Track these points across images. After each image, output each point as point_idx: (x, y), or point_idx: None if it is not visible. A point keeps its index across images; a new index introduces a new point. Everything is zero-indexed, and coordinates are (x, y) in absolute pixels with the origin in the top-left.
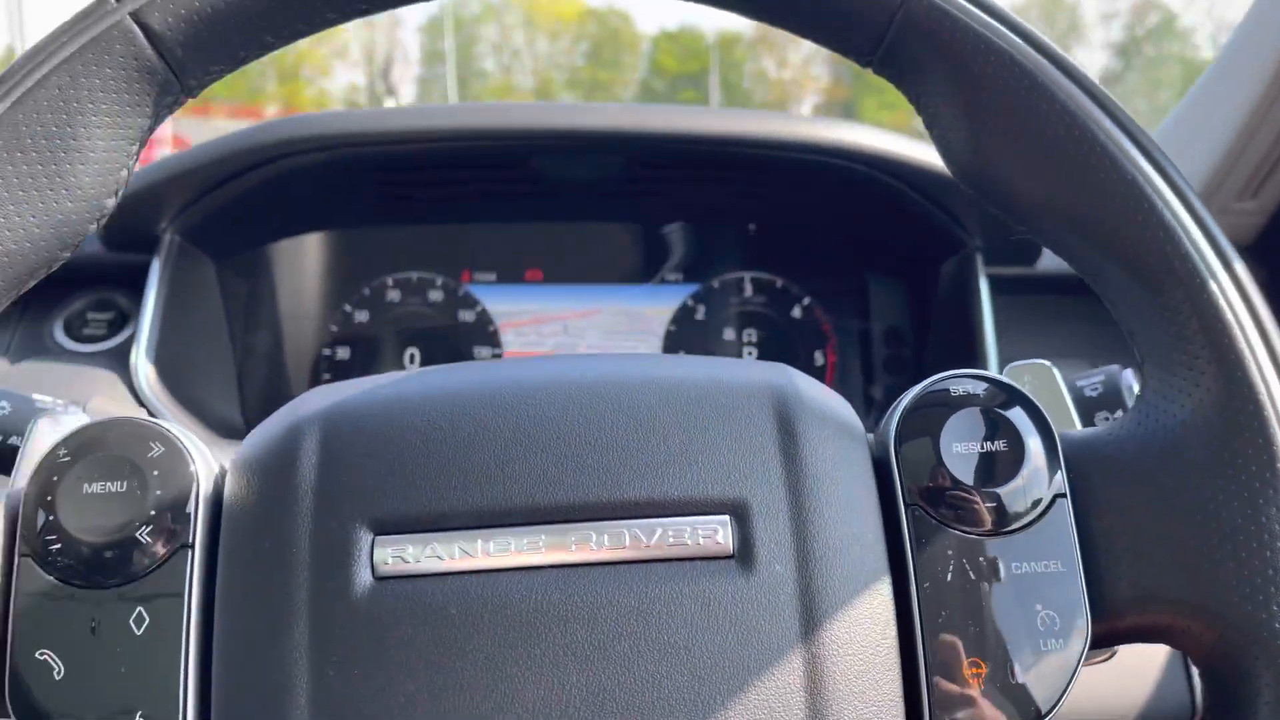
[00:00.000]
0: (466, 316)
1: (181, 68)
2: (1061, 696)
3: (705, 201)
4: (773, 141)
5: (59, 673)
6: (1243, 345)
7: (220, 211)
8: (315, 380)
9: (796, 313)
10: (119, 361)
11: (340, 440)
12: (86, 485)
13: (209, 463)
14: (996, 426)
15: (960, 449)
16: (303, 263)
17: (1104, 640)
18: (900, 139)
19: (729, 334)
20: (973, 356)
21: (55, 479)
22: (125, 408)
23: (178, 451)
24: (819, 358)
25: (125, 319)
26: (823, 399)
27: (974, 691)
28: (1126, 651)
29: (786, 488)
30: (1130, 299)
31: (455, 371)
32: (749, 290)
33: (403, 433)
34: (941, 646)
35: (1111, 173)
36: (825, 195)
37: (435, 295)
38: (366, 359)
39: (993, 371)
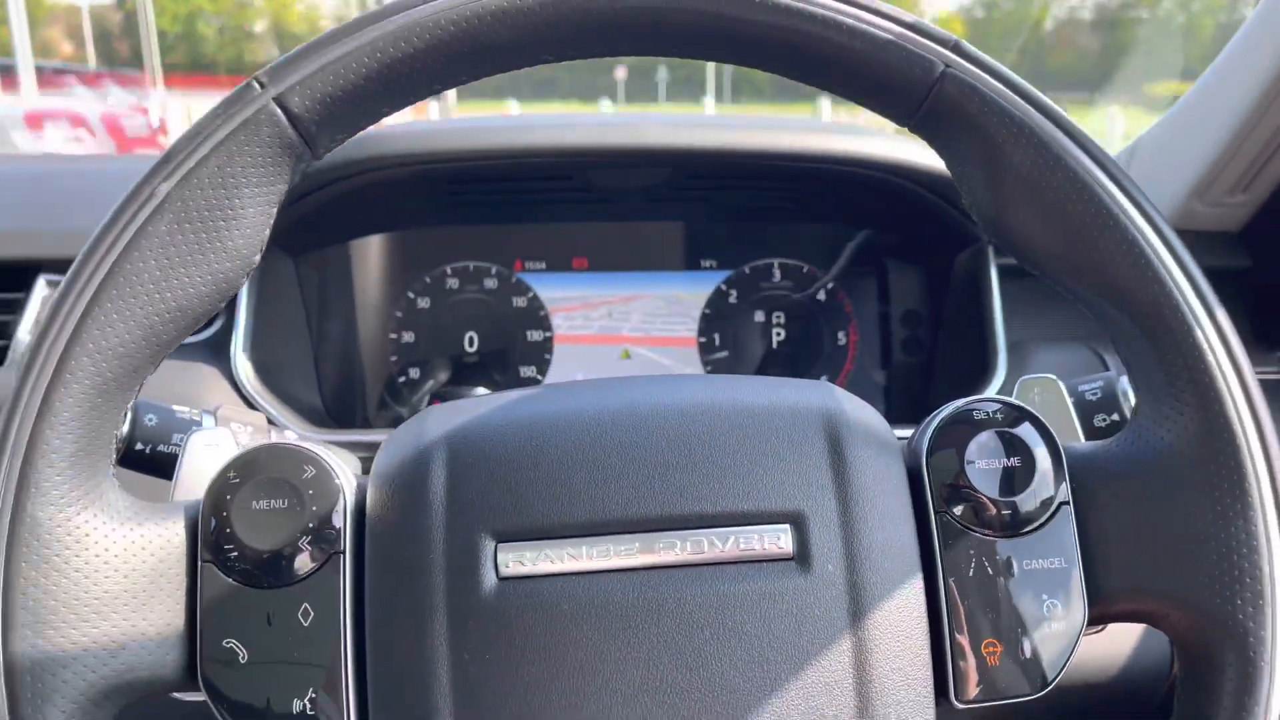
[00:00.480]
0: (519, 302)
1: (314, 140)
2: (1062, 668)
3: (739, 202)
4: (803, 155)
5: (243, 658)
6: (1222, 386)
7: (301, 216)
8: (384, 363)
9: (821, 296)
10: (215, 353)
11: (464, 461)
12: (255, 503)
13: (351, 480)
14: (1012, 445)
15: (981, 464)
16: (370, 256)
17: (1097, 622)
18: (905, 143)
19: (759, 316)
20: (982, 338)
21: (228, 498)
22: (238, 405)
23: (326, 472)
24: (841, 337)
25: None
26: (864, 418)
27: (991, 665)
28: (1116, 625)
29: (837, 500)
30: (1127, 339)
31: (557, 397)
32: (777, 275)
33: (516, 455)
34: (964, 629)
35: (1115, 233)
36: (850, 196)
37: (490, 283)
38: (429, 342)
39: (1002, 355)
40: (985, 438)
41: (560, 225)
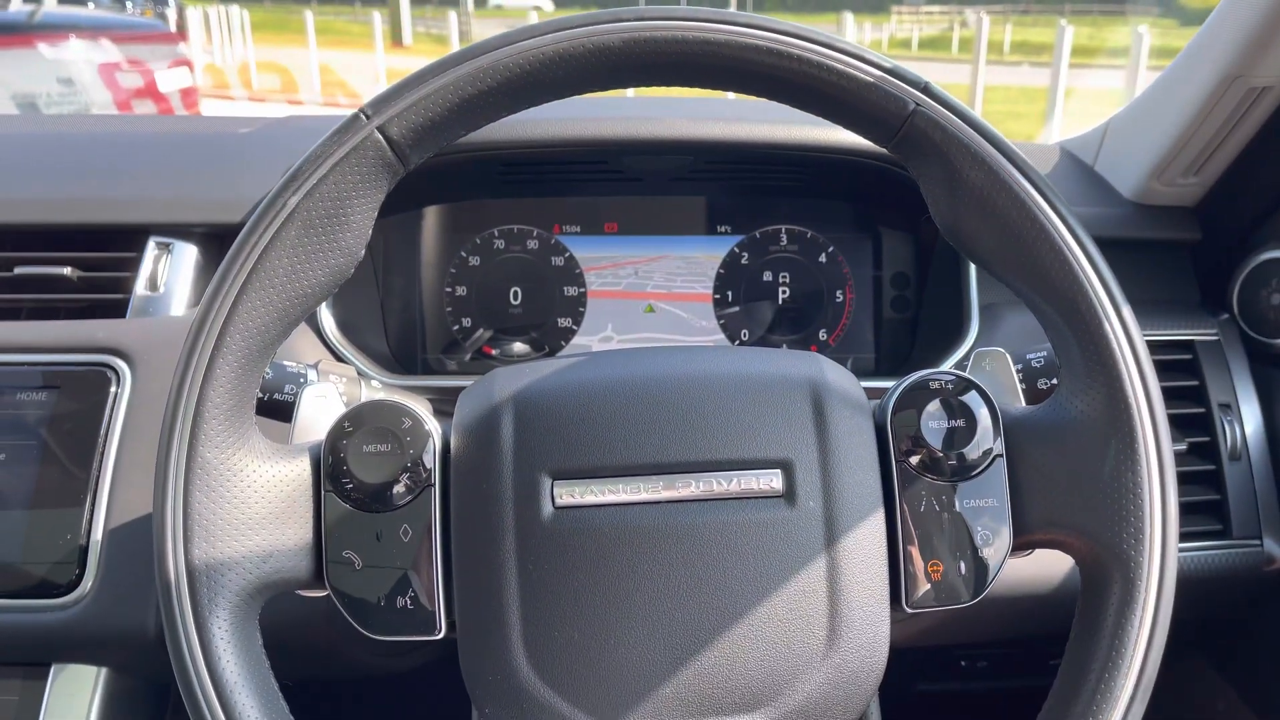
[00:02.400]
0: (557, 261)
1: (407, 159)
2: (989, 582)
3: (752, 180)
4: (807, 145)
5: (358, 565)
6: (1123, 369)
7: None
8: (441, 313)
9: (822, 259)
10: None
11: (527, 416)
12: (365, 447)
13: (438, 428)
14: (959, 409)
15: (934, 425)
16: (429, 221)
17: (1021, 548)
18: None
19: (767, 276)
20: (960, 300)
21: (344, 442)
22: (327, 355)
23: (419, 422)
24: (839, 295)
25: None
26: (843, 384)
27: (935, 580)
28: (1037, 553)
29: (818, 450)
30: (1053, 326)
31: (599, 365)
32: (784, 240)
33: (568, 411)
34: (915, 552)
35: (1047, 243)
36: (849, 175)
37: (532, 244)
38: (479, 295)
39: (974, 316)
40: (938, 403)
41: (595, 199)
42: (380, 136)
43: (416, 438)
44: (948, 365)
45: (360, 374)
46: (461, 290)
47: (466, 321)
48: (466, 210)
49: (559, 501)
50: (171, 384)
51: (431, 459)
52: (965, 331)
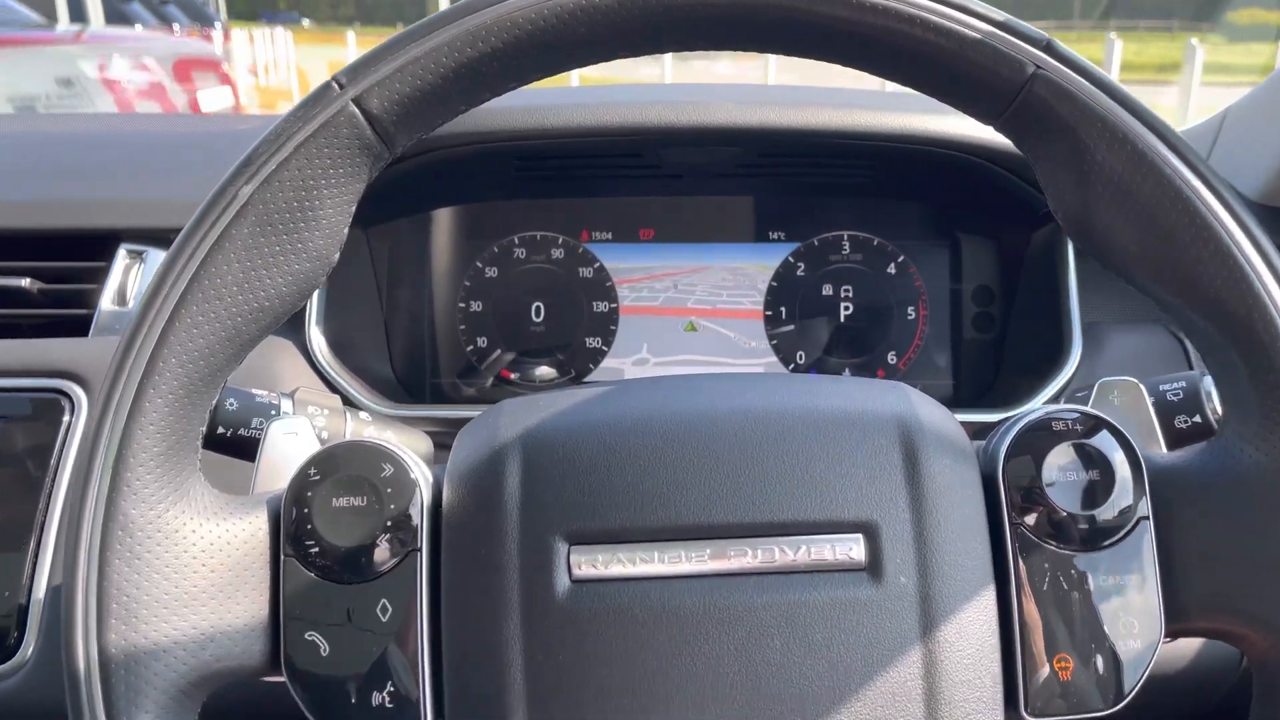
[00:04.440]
0: (586, 272)
1: (392, 140)
2: (1137, 684)
3: (809, 178)
4: (878, 134)
5: (324, 651)
6: None
7: (373, 190)
8: (453, 331)
9: (891, 269)
10: (290, 327)
11: (538, 462)
12: (335, 499)
13: (427, 476)
14: (1090, 457)
15: (1058, 476)
16: (439, 226)
17: (1173, 637)
18: None
19: (827, 289)
20: (1056, 318)
21: (309, 494)
22: (313, 378)
23: (403, 469)
24: (910, 312)
25: None
26: (939, 423)
27: (1063, 680)
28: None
29: (910, 509)
30: (1215, 350)
31: (630, 398)
32: (847, 248)
33: (591, 457)
34: (1037, 643)
35: (1209, 242)
36: (924, 171)
37: (557, 253)
38: (497, 311)
39: (1076, 338)
40: (1063, 449)
41: (627, 199)
42: (357, 110)
43: (400, 489)
44: (1043, 397)
45: (348, 404)
46: (477, 305)
47: (482, 341)
48: (482, 214)
49: (577, 573)
50: (88, 424)
51: (418, 515)
52: (1064, 356)
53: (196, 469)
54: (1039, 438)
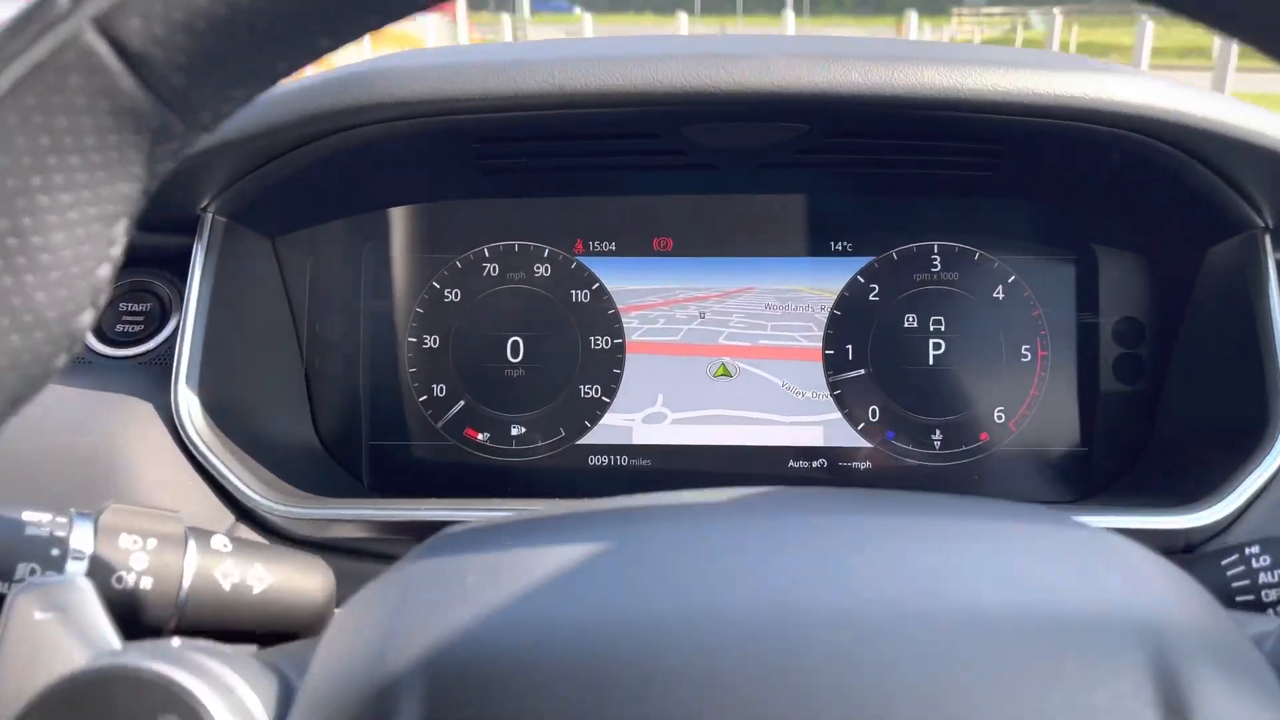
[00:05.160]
0: (580, 295)
1: (180, 99)
2: None
3: (894, 169)
4: (1011, 104)
5: None
6: None
7: (276, 186)
8: (399, 376)
9: (998, 294)
10: (157, 378)
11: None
12: None
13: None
14: None
15: None
16: (379, 234)
17: None
18: (1177, 90)
19: (910, 320)
20: (1250, 366)
21: None
22: (171, 454)
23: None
24: (1026, 353)
25: (166, 313)
26: (1213, 634)
27: None
28: None
29: None
30: None
31: (639, 576)
32: (938, 264)
33: (546, 708)
34: None
35: None
36: (1063, 159)
37: (541, 269)
38: (460, 348)
39: None
40: None
41: (637, 198)
42: (101, 41)
43: None
44: (1244, 489)
45: (194, 529)
46: (433, 341)
47: (440, 389)
48: (439, 217)
49: None
50: None
51: None
52: (1271, 423)
53: None
54: None
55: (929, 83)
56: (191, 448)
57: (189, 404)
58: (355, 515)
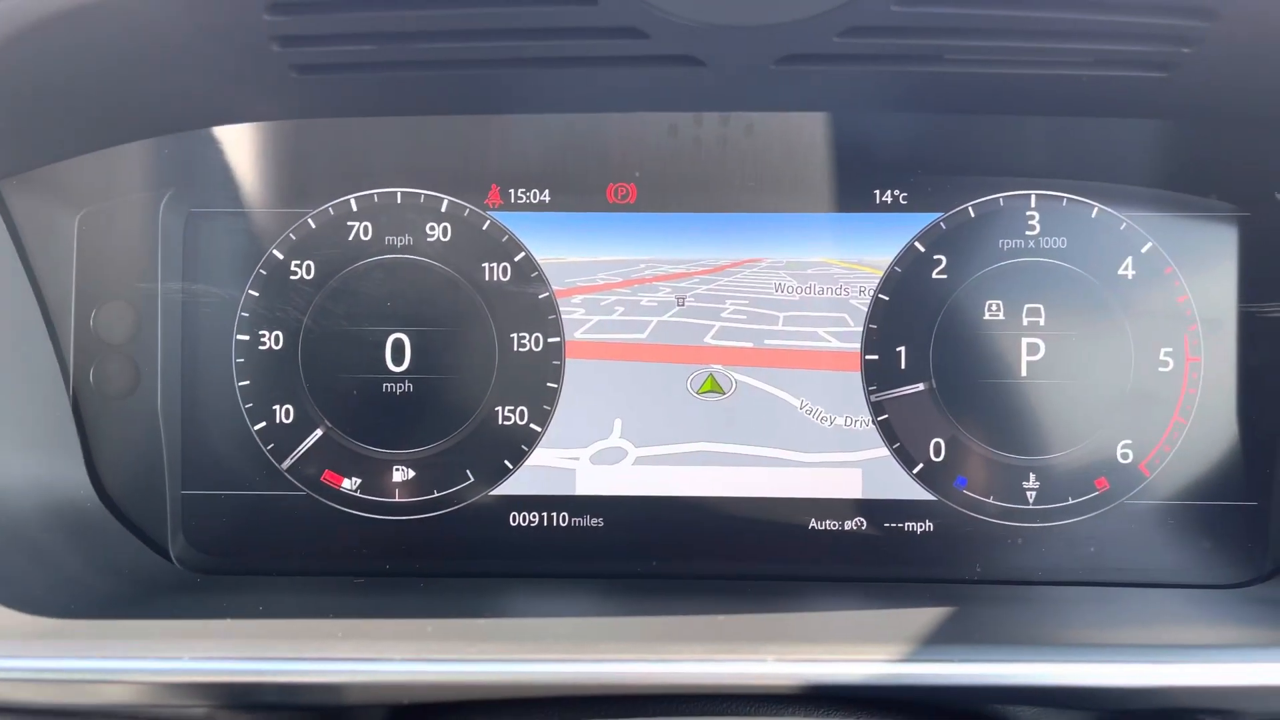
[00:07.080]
0: (496, 272)
1: None
2: None
3: (982, 66)
4: None
5: None
6: None
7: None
8: (226, 395)
9: (1126, 269)
10: None
11: None
12: None
13: None
14: None
15: None
16: (184, 176)
17: None
18: None
19: (993, 309)
20: None
21: None
22: None
23: None
24: (1166, 359)
25: None
26: None
27: None
28: None
29: None
30: None
31: None
32: (1035, 224)
33: None
34: None
35: None
36: (1236, 64)
37: (436, 231)
38: (315, 351)
39: None
40: None
41: (582, 118)
42: None
43: None
44: None
45: None
46: (273, 339)
47: (285, 412)
48: (274, 149)
49: None
50: None
51: None
52: None
53: None
54: None
55: None
56: None
57: None
58: (127, 669)
